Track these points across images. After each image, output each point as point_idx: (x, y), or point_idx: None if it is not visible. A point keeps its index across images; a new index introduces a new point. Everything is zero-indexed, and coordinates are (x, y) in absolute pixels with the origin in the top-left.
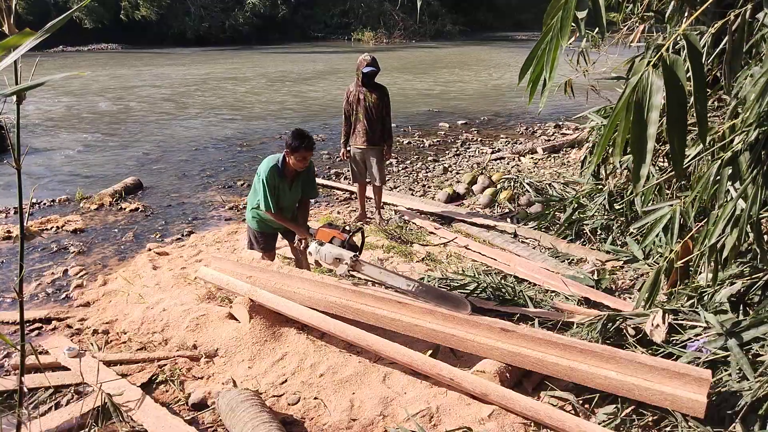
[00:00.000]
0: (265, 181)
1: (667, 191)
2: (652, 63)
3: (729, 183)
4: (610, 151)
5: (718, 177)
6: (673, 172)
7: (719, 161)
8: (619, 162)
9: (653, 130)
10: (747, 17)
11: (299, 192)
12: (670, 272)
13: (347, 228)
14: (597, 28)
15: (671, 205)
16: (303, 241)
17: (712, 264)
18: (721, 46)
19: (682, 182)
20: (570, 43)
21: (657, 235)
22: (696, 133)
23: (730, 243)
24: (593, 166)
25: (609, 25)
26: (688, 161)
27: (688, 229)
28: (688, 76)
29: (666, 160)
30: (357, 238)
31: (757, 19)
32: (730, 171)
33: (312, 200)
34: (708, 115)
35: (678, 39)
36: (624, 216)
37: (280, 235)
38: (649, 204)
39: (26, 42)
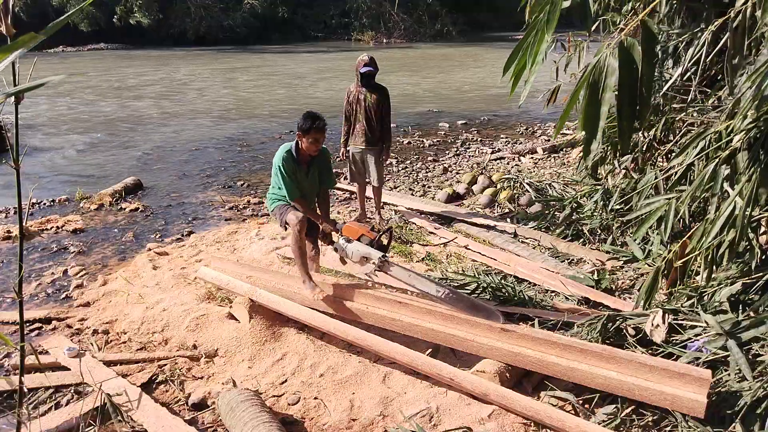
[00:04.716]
0: (281, 167)
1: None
2: (611, 46)
3: (726, 183)
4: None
5: (714, 175)
6: (671, 171)
7: (716, 160)
8: (618, 162)
9: (605, 109)
10: (748, 15)
11: (316, 180)
12: (669, 272)
13: (375, 227)
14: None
15: (667, 199)
16: (327, 237)
17: (709, 264)
18: (719, 45)
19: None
20: (557, 50)
21: (651, 228)
22: (695, 132)
23: (727, 243)
24: (557, 134)
25: (599, 21)
26: (688, 162)
27: (688, 229)
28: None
29: (664, 159)
30: (385, 238)
31: (757, 17)
32: (728, 170)
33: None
34: (708, 114)
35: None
36: (622, 215)
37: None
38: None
39: (29, 44)
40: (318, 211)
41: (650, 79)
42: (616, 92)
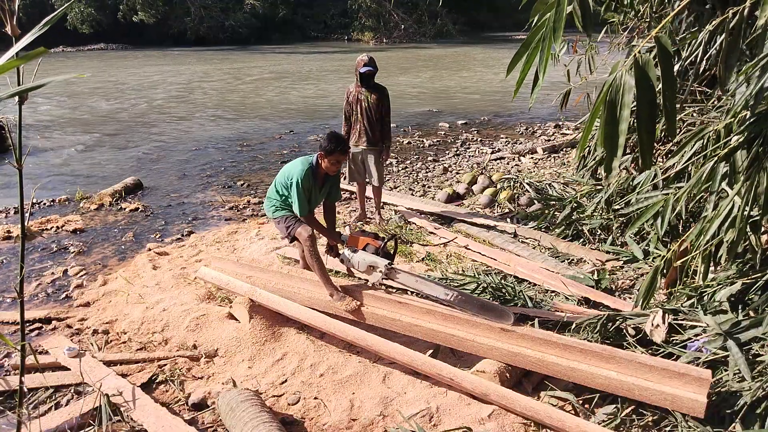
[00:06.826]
0: (299, 184)
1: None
2: (626, 64)
3: (724, 182)
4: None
5: (712, 173)
6: (670, 172)
7: (714, 158)
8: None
9: (624, 127)
10: (745, 15)
11: (325, 195)
12: (668, 271)
13: (380, 235)
14: (589, 31)
15: (664, 194)
16: (333, 249)
17: (706, 262)
18: (716, 44)
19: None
20: (569, 52)
21: (648, 222)
22: (694, 131)
23: (725, 242)
24: (578, 158)
25: (606, 25)
26: (686, 160)
27: (687, 228)
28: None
29: (664, 158)
30: (390, 246)
31: (756, 17)
32: (726, 168)
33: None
34: (708, 113)
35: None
36: (623, 215)
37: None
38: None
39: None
40: (324, 223)
41: (673, 94)
42: (635, 108)
